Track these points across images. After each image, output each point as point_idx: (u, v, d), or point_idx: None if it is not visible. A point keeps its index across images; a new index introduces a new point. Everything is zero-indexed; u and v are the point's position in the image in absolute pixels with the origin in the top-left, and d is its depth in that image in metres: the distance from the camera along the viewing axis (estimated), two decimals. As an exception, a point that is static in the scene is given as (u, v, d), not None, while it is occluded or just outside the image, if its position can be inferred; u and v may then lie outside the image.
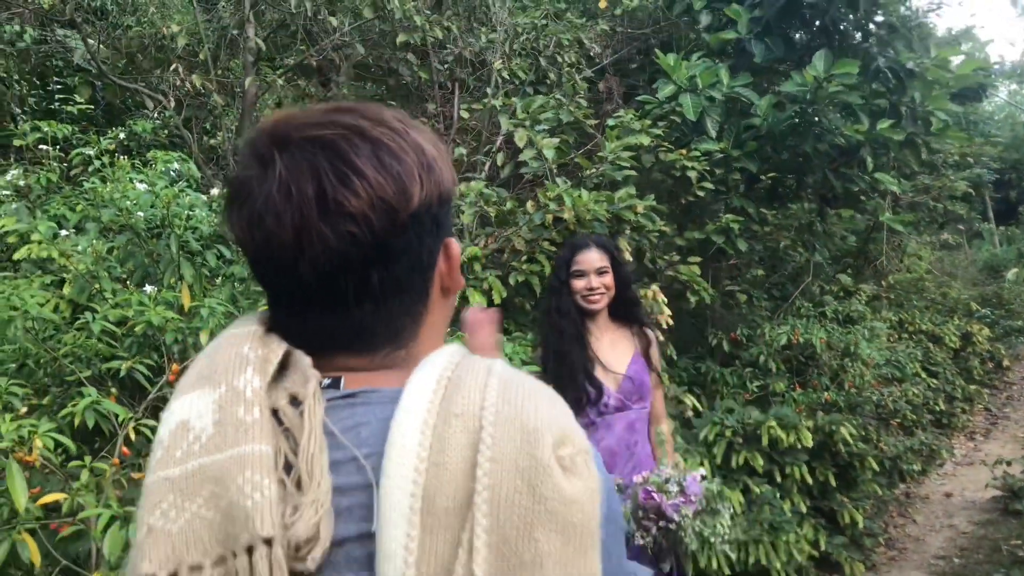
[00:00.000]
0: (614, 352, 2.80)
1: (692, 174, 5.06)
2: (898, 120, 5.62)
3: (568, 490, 0.65)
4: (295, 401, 0.71)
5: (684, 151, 5.08)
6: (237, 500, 0.64)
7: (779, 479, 4.40)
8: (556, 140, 4.16)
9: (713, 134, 5.33)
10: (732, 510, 2.45)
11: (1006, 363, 10.00)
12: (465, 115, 5.31)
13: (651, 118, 5.35)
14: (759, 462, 4.31)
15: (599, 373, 2.73)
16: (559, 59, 5.89)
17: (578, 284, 2.77)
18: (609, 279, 2.78)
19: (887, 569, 4.73)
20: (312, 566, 0.64)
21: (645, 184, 5.48)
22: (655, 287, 4.15)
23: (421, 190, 0.74)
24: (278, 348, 0.74)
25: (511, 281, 3.70)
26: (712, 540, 2.30)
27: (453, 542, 0.64)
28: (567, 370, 2.69)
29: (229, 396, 0.70)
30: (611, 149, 4.26)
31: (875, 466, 4.91)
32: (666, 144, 5.14)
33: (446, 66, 5.89)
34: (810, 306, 6.47)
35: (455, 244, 0.82)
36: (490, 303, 3.72)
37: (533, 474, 0.65)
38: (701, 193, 5.16)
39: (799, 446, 4.43)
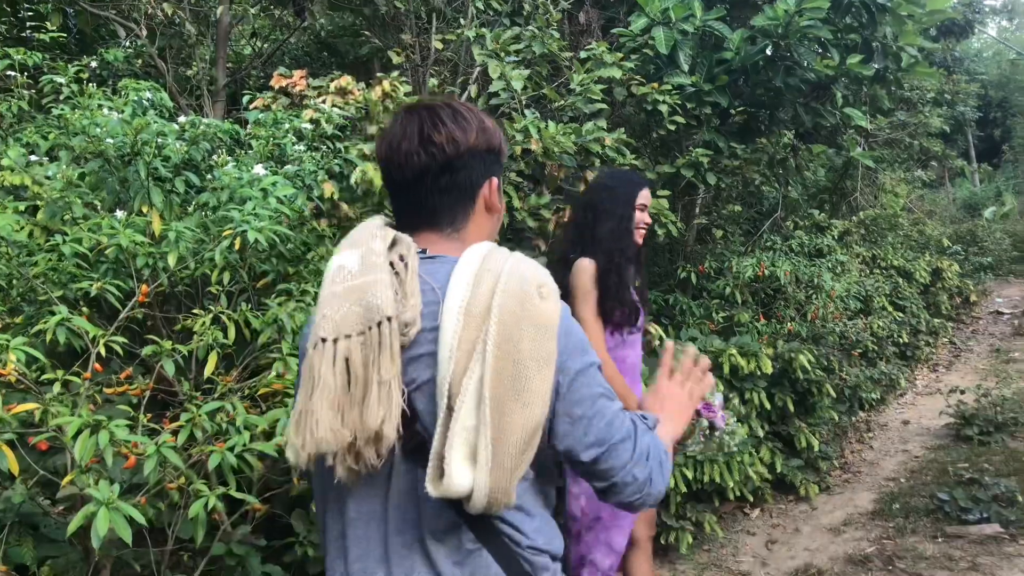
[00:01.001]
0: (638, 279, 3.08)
1: (663, 108, 5.11)
2: (869, 55, 5.67)
3: (540, 306, 1.21)
4: (402, 258, 1.28)
5: (656, 85, 5.12)
6: (372, 300, 1.22)
7: (739, 405, 4.58)
8: (526, 72, 4.20)
9: (685, 68, 5.37)
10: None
11: (973, 298, 10.24)
12: (439, 46, 5.31)
13: (625, 51, 5.39)
14: (719, 388, 4.48)
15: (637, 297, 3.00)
16: (535, -11, 5.86)
17: (638, 216, 2.99)
18: (648, 218, 3.06)
19: (840, 490, 4.96)
20: (410, 338, 1.24)
21: (617, 118, 5.55)
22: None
23: (475, 139, 1.35)
24: (391, 231, 1.33)
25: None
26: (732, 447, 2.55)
27: (479, 330, 1.19)
28: (623, 290, 2.89)
29: (366, 251, 1.27)
30: (578, 81, 4.30)
31: (832, 392, 5.10)
32: (638, 78, 5.19)
33: (421, -4, 5.85)
34: (778, 240, 6.59)
35: (496, 181, 1.41)
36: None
37: (523, 298, 1.20)
38: (672, 127, 5.23)
39: (759, 373, 4.60)
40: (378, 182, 3.82)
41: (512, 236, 4.33)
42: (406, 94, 4.39)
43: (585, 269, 2.85)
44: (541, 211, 3.99)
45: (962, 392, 5.87)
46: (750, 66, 5.46)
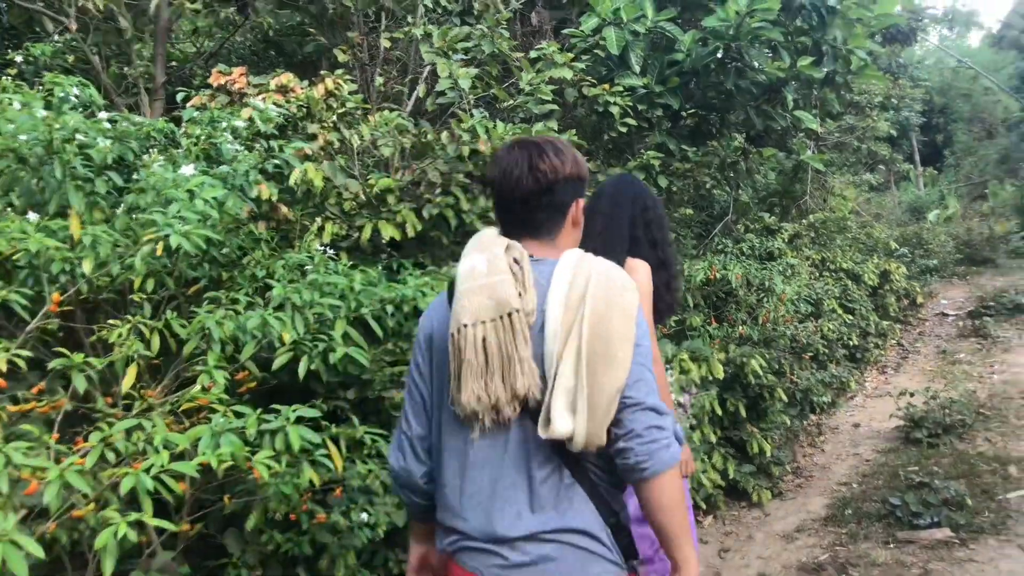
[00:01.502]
0: None
1: (615, 110, 5.04)
2: (819, 58, 5.67)
3: (625, 297, 1.60)
4: (517, 262, 1.61)
5: (607, 86, 5.05)
6: (501, 295, 1.57)
7: (688, 414, 4.52)
8: (474, 71, 4.08)
9: (637, 69, 5.31)
10: None
11: (920, 300, 10.38)
12: (387, 44, 5.16)
13: (576, 52, 5.31)
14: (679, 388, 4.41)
15: None
16: (485, -12, 5.75)
17: None
18: None
19: (793, 495, 4.93)
20: (531, 323, 1.58)
21: (569, 120, 5.46)
22: (571, 222, 4.16)
23: (569, 169, 1.70)
24: (505, 239, 1.66)
25: (425, 214, 3.66)
26: None
27: (575, 314, 1.56)
28: (672, 291, 3.14)
29: (491, 256, 1.61)
30: (527, 80, 4.20)
31: (784, 397, 5.08)
32: (589, 79, 5.11)
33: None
34: (729, 243, 6.57)
35: (581, 202, 1.77)
36: (404, 236, 3.69)
37: (610, 290, 1.59)
38: (624, 129, 5.16)
39: (711, 378, 4.54)
40: (318, 183, 3.67)
41: (461, 240, 4.21)
42: (351, 92, 4.25)
43: (645, 270, 2.99)
44: (490, 214, 3.87)
45: (911, 395, 5.90)
46: (701, 68, 5.43)
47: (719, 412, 4.61)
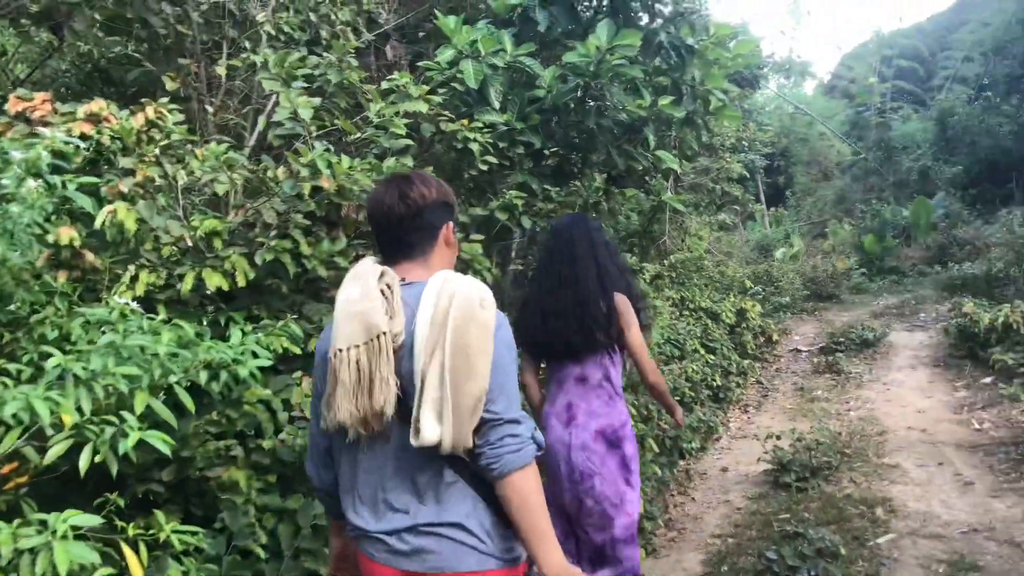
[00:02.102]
0: None
1: (474, 147, 4.75)
2: (678, 98, 5.60)
3: (482, 315, 1.80)
4: (388, 287, 1.86)
5: (466, 122, 4.75)
6: (370, 320, 1.79)
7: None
8: (316, 100, 3.67)
9: (496, 105, 5.05)
10: None
11: (775, 337, 10.62)
12: (222, 72, 4.67)
13: (432, 86, 5.00)
14: (540, 451, 4.09)
15: None
16: (333, 16, 5.36)
17: None
18: None
19: (667, 552, 4.69)
20: (398, 343, 1.82)
21: (427, 157, 5.13)
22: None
23: (435, 195, 2.00)
24: (379, 267, 1.91)
25: (258, 259, 3.21)
26: None
27: (440, 332, 1.77)
28: (644, 302, 3.62)
29: (364, 284, 1.85)
30: (376, 111, 3.84)
31: (655, 447, 4.86)
32: (447, 114, 4.80)
33: (205, 18, 5.20)
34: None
35: (451, 224, 2.06)
36: (234, 285, 3.22)
37: (469, 308, 1.79)
38: (484, 168, 4.87)
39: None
40: (131, 225, 3.16)
41: (304, 288, 3.76)
42: (177, 123, 3.75)
43: (625, 301, 3.39)
44: (336, 258, 3.45)
45: (778, 438, 5.84)
46: (562, 105, 5.24)
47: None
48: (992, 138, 23.19)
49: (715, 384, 7.54)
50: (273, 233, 3.28)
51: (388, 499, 1.84)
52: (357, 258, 3.77)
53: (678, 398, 6.10)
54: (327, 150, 3.50)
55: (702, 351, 7.69)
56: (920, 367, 9.43)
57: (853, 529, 4.70)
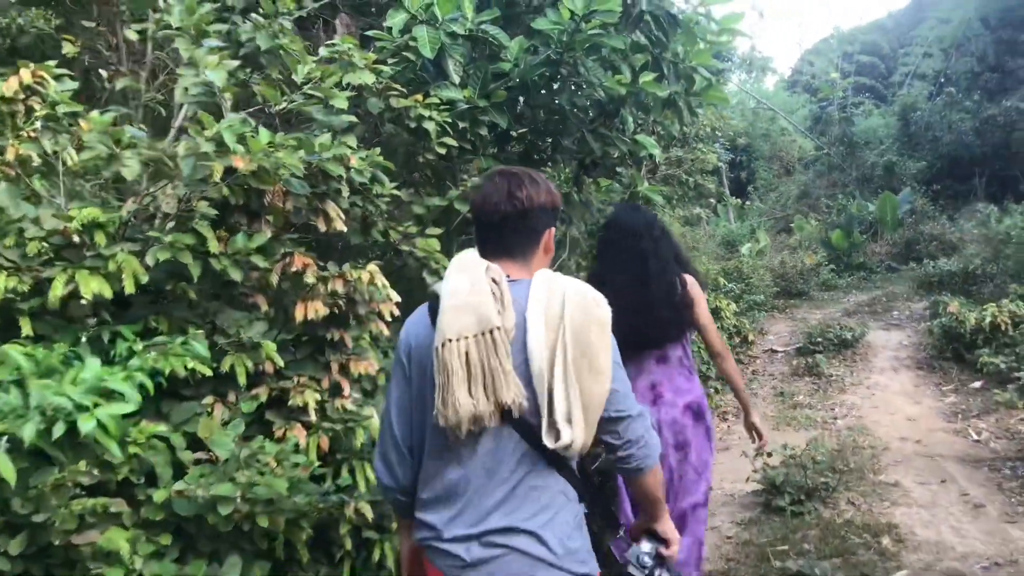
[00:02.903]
0: None
1: (430, 126, 4.08)
2: (660, 76, 4.98)
3: (599, 311, 1.84)
4: (495, 282, 1.84)
5: (421, 97, 4.08)
6: (483, 313, 1.78)
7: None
8: (234, 63, 2.97)
9: (455, 79, 4.38)
10: None
11: (751, 337, 10.10)
12: (133, 36, 3.94)
13: (383, 56, 4.32)
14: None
15: None
16: (267, -23, 4.65)
17: None
18: None
19: (653, 593, 4.07)
20: (512, 339, 1.80)
21: (375, 137, 4.45)
22: (372, 267, 3.13)
23: (542, 199, 1.97)
24: (485, 261, 1.91)
25: (150, 259, 2.51)
26: None
27: (556, 331, 1.80)
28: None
29: (473, 276, 1.84)
30: (305, 74, 3.15)
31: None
32: (398, 87, 4.13)
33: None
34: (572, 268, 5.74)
35: (552, 230, 2.03)
36: (120, 292, 2.52)
37: (586, 306, 1.83)
38: (443, 151, 4.21)
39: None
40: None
41: (221, 294, 3.06)
42: (68, 92, 3.04)
43: (695, 282, 3.55)
44: (253, 257, 2.77)
45: (769, 455, 5.26)
46: (531, 82, 4.58)
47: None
48: (954, 134, 23.08)
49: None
50: (171, 225, 2.58)
51: (471, 500, 1.83)
52: (285, 256, 3.10)
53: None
54: (244, 121, 2.80)
55: (679, 355, 7.11)
56: (902, 369, 8.97)
57: (860, 564, 4.15)
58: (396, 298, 3.42)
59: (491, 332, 1.75)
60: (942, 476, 5.49)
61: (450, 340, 1.76)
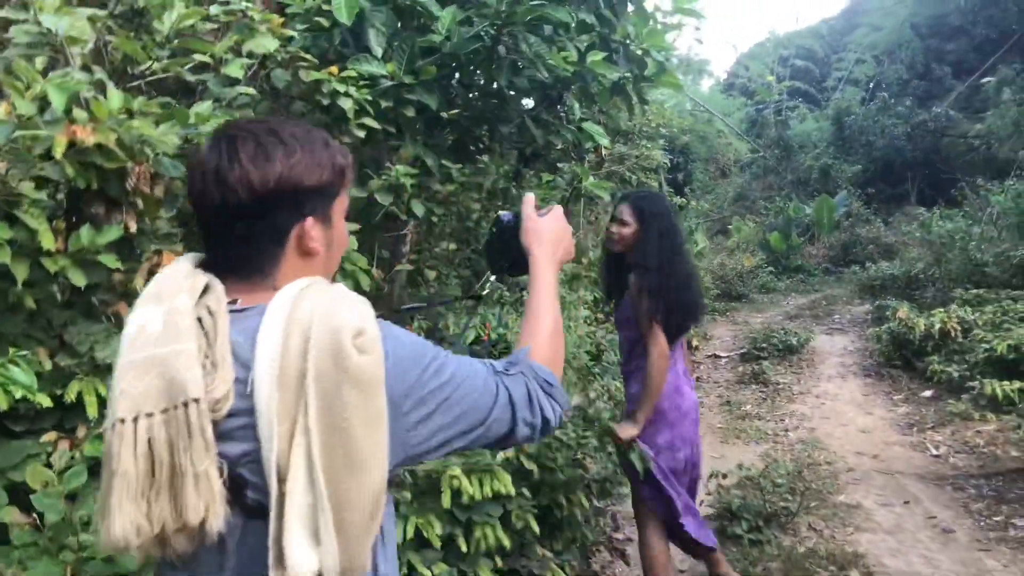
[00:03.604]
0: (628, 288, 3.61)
1: (347, 104, 3.50)
2: (609, 57, 4.48)
3: (360, 364, 1.09)
4: (211, 313, 1.14)
5: (335, 69, 3.50)
6: (176, 375, 1.08)
7: (464, 547, 3.03)
8: (90, 10, 2.35)
9: (378, 51, 3.79)
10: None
11: (696, 343, 9.73)
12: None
13: (294, 23, 3.73)
14: (435, 531, 2.89)
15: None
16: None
17: (607, 227, 3.82)
18: (628, 231, 3.61)
19: (600, 643, 3.58)
20: (222, 414, 1.10)
21: (280, 115, 3.84)
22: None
23: (277, 179, 1.19)
24: (203, 278, 1.19)
25: (-50, 259, 1.88)
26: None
27: (297, 397, 1.08)
28: (605, 291, 4.11)
29: (170, 309, 1.13)
30: (171, 26, 2.52)
31: (585, 502, 3.73)
32: (308, 57, 3.54)
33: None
34: (505, 290, 5.22)
35: (309, 222, 1.24)
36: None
37: (338, 354, 1.09)
38: (361, 133, 3.63)
39: (492, 496, 3.08)
40: None
41: (74, 301, 2.43)
42: None
43: None
44: (102, 255, 2.15)
45: (724, 476, 4.81)
46: (465, 57, 4.03)
47: (503, 540, 3.15)
48: (887, 138, 23.34)
49: (639, 403, 6.49)
50: (-17, 213, 1.95)
51: None
52: (153, 255, 2.50)
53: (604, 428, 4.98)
54: (96, 83, 2.18)
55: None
56: (850, 376, 8.69)
57: (830, 602, 3.71)
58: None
59: (185, 406, 1.08)
60: (905, 496, 5.13)
61: (122, 420, 1.08)
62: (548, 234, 1.60)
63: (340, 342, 1.09)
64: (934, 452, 5.97)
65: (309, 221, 1.24)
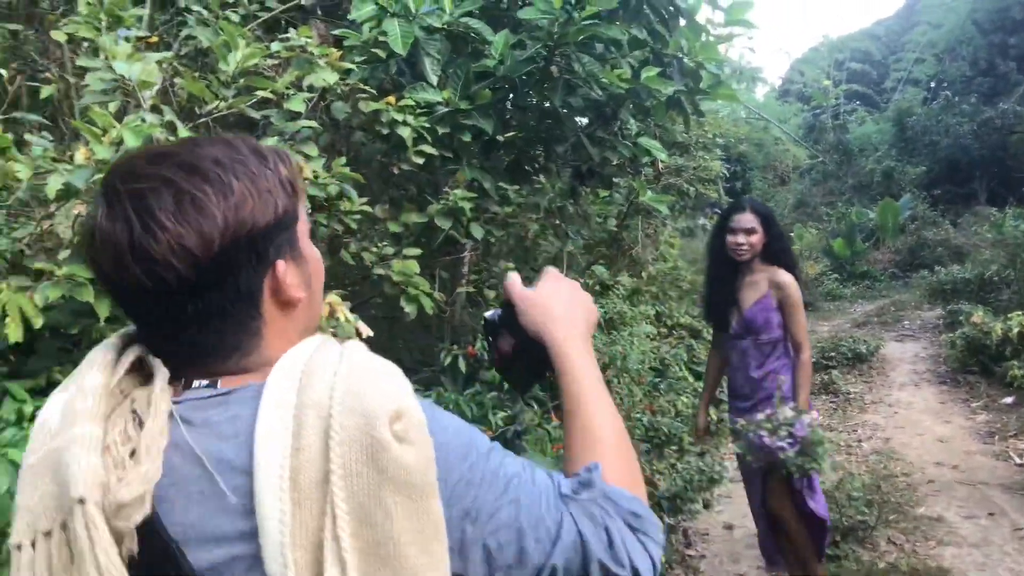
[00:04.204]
0: (748, 293, 3.71)
1: (405, 132, 3.56)
2: (663, 72, 4.47)
3: (403, 459, 0.81)
4: (141, 384, 0.87)
5: (392, 99, 3.57)
6: (64, 473, 0.78)
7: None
8: (162, 54, 2.45)
9: (433, 79, 3.86)
10: (826, 452, 3.47)
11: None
12: (60, 38, 3.41)
13: (351, 57, 3.82)
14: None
15: (738, 306, 3.75)
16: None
17: (729, 239, 3.70)
18: (756, 238, 3.64)
19: (677, 663, 3.53)
20: (131, 525, 0.77)
21: (343, 147, 3.94)
22: (333, 297, 2.59)
23: (225, 233, 0.85)
24: (130, 354, 0.89)
25: (38, 298, 1.97)
26: (811, 468, 3.43)
27: (319, 512, 0.79)
28: (711, 301, 3.95)
29: (74, 393, 0.84)
30: (237, 63, 2.61)
31: (659, 522, 3.68)
32: (367, 89, 3.62)
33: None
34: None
35: (281, 265, 0.92)
36: (29, 336, 1.98)
37: (373, 450, 0.80)
38: (420, 160, 3.69)
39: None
40: None
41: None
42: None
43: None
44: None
45: (798, 490, 4.71)
46: (519, 80, 4.07)
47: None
48: (952, 138, 22.68)
49: (709, 418, 6.40)
50: (66, 254, 2.04)
51: None
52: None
53: (675, 447, 4.93)
54: (168, 125, 2.27)
55: (690, 378, 6.58)
56: (924, 384, 8.43)
57: (915, 619, 3.59)
58: (367, 332, 2.89)
59: (76, 516, 0.77)
60: (989, 508, 4.95)
61: (19, 547, 0.82)
62: (556, 306, 1.14)
63: (374, 431, 0.82)
64: (1018, 461, 5.75)
65: (280, 266, 0.93)
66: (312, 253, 1.00)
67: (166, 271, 0.83)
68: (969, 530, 4.64)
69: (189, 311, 0.86)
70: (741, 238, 3.63)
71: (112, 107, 2.26)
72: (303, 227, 0.98)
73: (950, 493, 5.26)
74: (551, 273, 1.22)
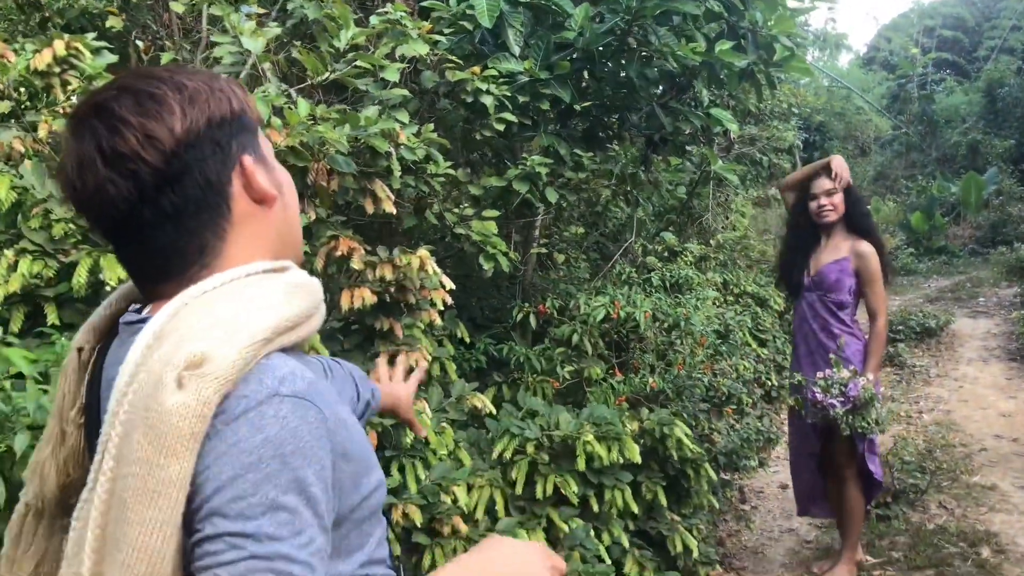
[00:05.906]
0: (827, 254, 3.84)
1: (488, 100, 3.81)
2: (737, 44, 4.61)
3: (167, 403, 0.77)
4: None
5: (477, 70, 3.82)
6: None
7: (596, 508, 3.31)
8: (275, 30, 2.75)
9: (516, 50, 4.10)
10: (880, 412, 3.58)
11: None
12: (180, 9, 3.75)
13: (439, 28, 4.07)
14: (572, 488, 3.19)
15: (810, 266, 3.90)
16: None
17: (812, 205, 3.86)
18: (838, 198, 3.81)
19: (726, 603, 3.79)
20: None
21: (429, 113, 4.21)
22: (423, 252, 2.89)
23: (184, 120, 0.89)
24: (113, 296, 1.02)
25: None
26: (861, 428, 3.54)
27: (104, 445, 0.81)
28: (785, 262, 4.13)
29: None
30: (347, 39, 2.90)
31: (712, 474, 3.92)
32: (454, 59, 3.88)
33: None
34: (632, 271, 5.43)
35: (248, 159, 0.95)
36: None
37: (155, 387, 0.78)
38: (500, 127, 3.94)
39: (622, 462, 3.35)
40: (4, 195, 2.31)
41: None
42: (111, 66, 2.87)
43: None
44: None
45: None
46: (597, 52, 4.28)
47: (633, 507, 3.41)
48: (1045, 110, 21.80)
49: (769, 383, 6.58)
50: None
51: None
52: (330, 240, 2.89)
53: (732, 406, 5.14)
54: (286, 94, 2.58)
55: (753, 344, 6.74)
56: (993, 360, 8.39)
57: (959, 578, 3.77)
58: (449, 285, 3.20)
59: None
60: (1045, 480, 5.04)
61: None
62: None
63: (169, 365, 0.79)
64: (1080, 438, 5.79)
65: (247, 159, 0.96)
66: (283, 172, 1.04)
67: (138, 164, 0.86)
68: (1021, 499, 4.76)
69: (164, 207, 0.88)
70: (824, 199, 3.79)
71: (240, 78, 2.57)
72: (268, 148, 1.03)
73: (1007, 464, 5.35)
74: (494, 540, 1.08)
